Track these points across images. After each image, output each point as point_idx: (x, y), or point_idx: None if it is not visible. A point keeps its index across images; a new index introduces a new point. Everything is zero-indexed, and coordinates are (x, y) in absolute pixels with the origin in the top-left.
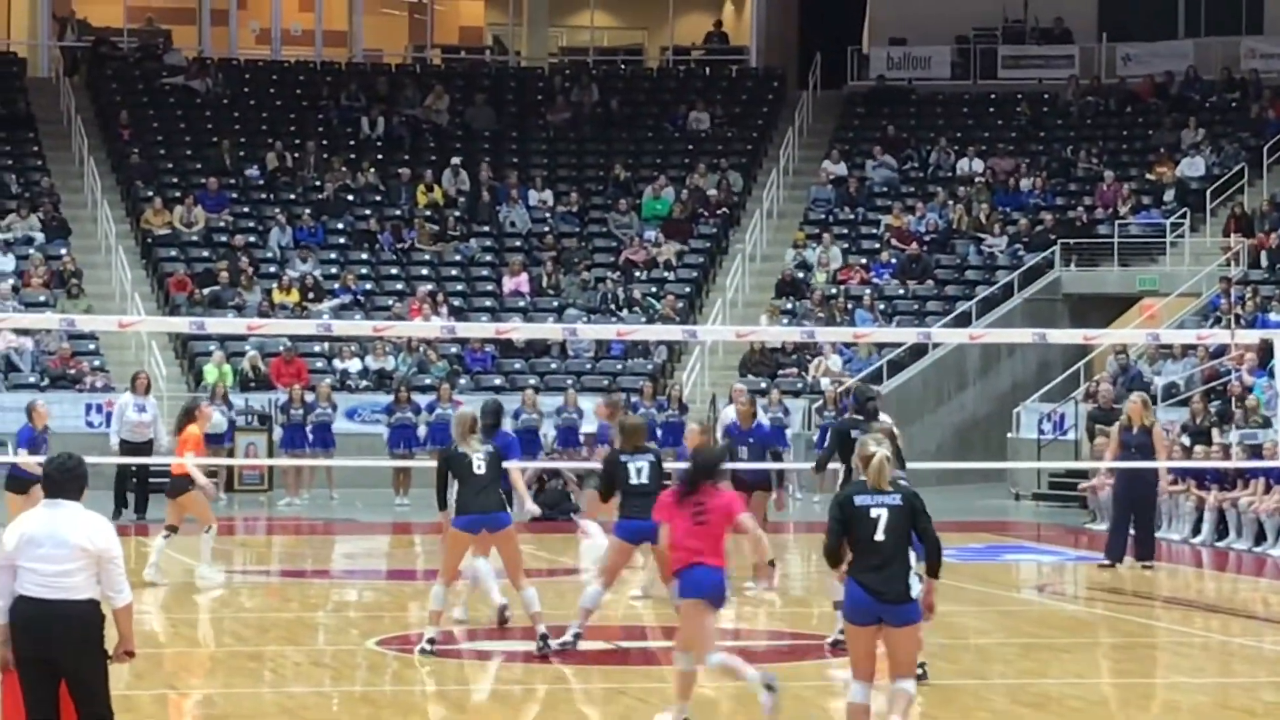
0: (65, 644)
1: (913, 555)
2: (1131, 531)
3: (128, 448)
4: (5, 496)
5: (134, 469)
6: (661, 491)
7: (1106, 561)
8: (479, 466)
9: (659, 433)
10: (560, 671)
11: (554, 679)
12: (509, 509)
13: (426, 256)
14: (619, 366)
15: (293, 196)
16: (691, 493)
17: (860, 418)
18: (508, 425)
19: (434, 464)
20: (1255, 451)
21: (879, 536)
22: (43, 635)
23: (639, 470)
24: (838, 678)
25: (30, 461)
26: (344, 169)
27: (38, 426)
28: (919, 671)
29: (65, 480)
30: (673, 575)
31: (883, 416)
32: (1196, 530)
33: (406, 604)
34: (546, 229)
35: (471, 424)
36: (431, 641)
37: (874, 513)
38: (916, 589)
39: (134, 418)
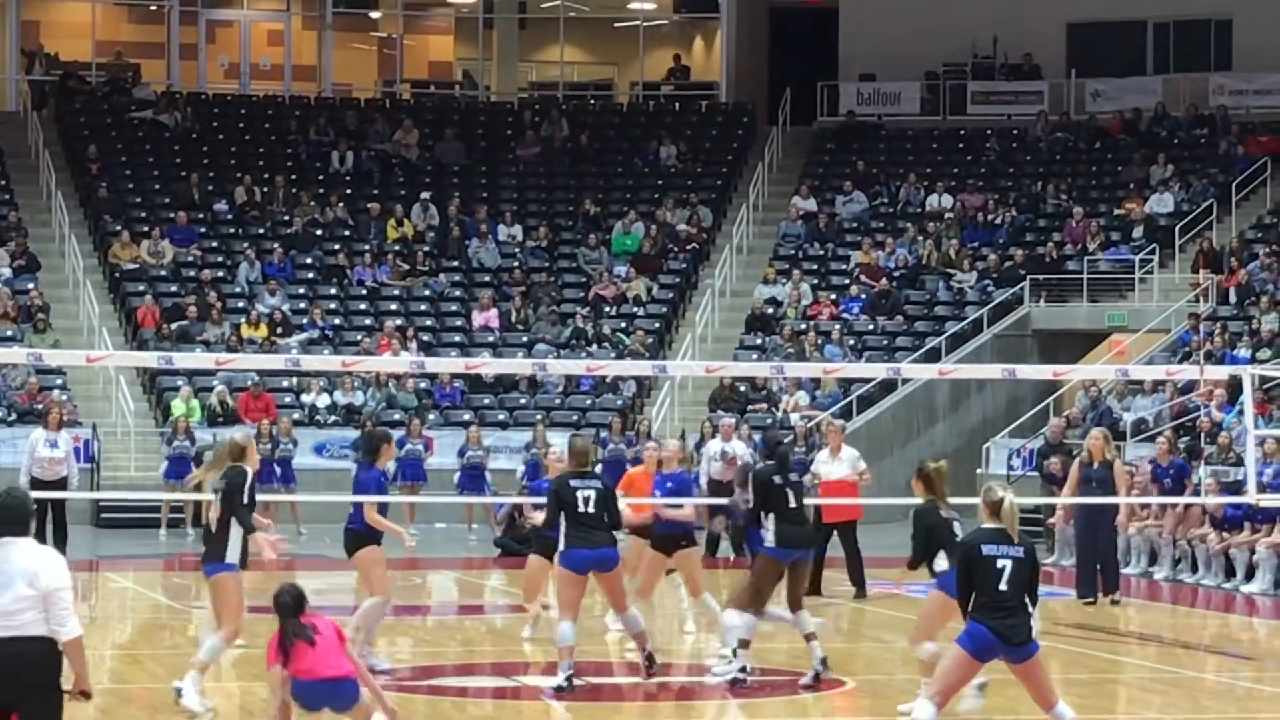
0: (12, 684)
1: None
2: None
3: (38, 485)
4: None
5: (49, 506)
6: (608, 521)
7: (1090, 599)
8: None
9: (628, 467)
10: (534, 707)
11: (526, 714)
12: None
13: (395, 291)
14: (588, 402)
15: (261, 231)
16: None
17: (773, 463)
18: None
19: (404, 499)
20: (1232, 489)
21: (1003, 587)
22: None
23: (586, 499)
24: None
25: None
26: (313, 203)
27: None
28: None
29: (10, 518)
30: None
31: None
32: (1162, 564)
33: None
34: (516, 264)
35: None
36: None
37: (1000, 563)
38: (1036, 628)
39: (46, 453)
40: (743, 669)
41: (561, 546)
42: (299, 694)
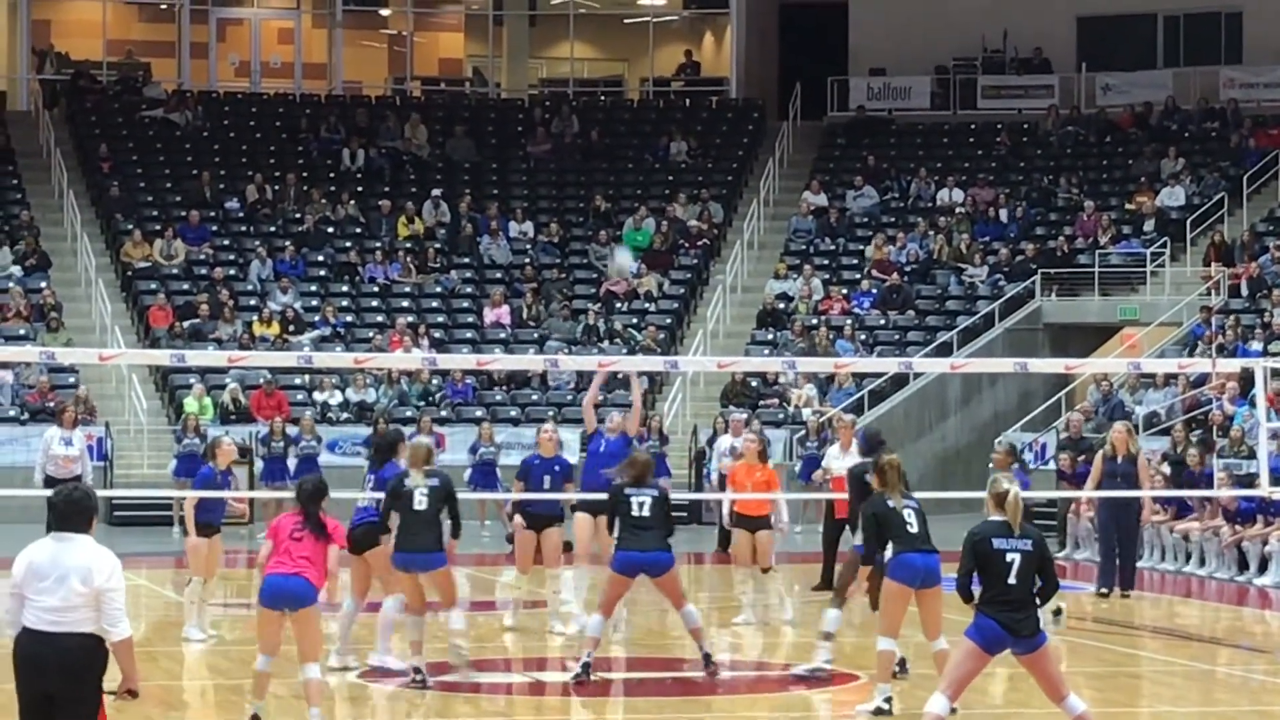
0: (59, 678)
1: None
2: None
3: (52, 483)
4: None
5: None
6: (662, 525)
7: (1105, 591)
8: (420, 503)
9: None
10: (544, 703)
11: (536, 710)
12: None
13: (407, 288)
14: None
15: (273, 229)
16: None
17: (870, 459)
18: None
19: None
20: (1244, 481)
21: (1011, 580)
22: (40, 668)
23: (641, 504)
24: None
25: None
26: (324, 201)
27: (220, 466)
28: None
29: (72, 513)
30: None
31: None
32: (1180, 559)
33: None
34: (527, 260)
35: (426, 455)
36: (418, 671)
37: (1009, 557)
38: (1044, 620)
39: (60, 451)
40: (826, 660)
41: (613, 549)
42: (263, 589)
